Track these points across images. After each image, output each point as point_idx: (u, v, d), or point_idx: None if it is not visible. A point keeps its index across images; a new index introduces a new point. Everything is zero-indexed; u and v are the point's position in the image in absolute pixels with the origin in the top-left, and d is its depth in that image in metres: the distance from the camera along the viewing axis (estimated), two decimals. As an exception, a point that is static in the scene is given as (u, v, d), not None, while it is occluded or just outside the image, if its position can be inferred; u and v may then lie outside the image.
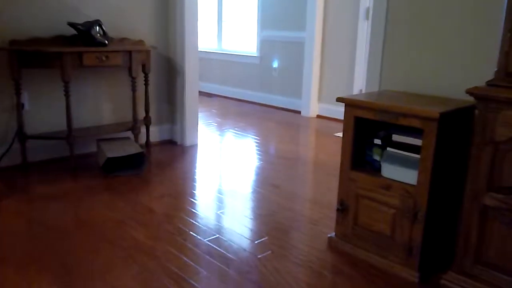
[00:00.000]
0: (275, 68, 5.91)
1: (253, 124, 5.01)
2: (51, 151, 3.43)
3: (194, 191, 2.98)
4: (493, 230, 1.75)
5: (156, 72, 3.93)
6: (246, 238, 2.35)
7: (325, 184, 3.18)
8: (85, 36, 3.19)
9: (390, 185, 2.00)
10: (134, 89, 3.49)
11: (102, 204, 2.71)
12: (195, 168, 3.48)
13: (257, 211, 2.69)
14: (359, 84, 4.94)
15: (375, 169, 2.12)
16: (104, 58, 3.21)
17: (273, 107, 5.96)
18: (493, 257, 1.76)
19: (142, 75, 3.66)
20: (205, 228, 2.44)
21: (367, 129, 2.17)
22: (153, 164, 3.48)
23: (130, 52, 3.36)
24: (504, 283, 1.74)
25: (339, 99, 2.11)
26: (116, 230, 2.38)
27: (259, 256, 2.16)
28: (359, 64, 4.95)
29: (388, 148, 2.10)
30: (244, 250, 2.22)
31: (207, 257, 2.14)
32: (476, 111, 1.72)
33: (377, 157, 2.13)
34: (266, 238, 2.35)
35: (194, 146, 4.02)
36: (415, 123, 1.86)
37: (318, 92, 5.45)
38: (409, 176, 1.95)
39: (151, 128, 3.88)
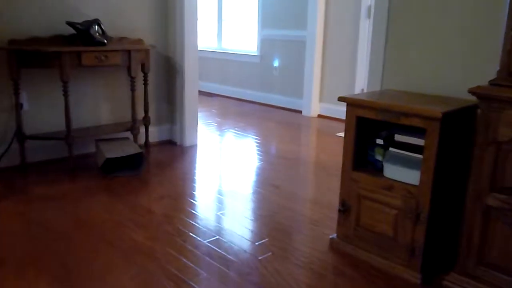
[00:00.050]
0: (275, 67, 5.91)
1: (254, 124, 5.02)
2: (50, 151, 3.44)
3: (193, 192, 2.98)
4: (495, 231, 1.75)
5: (156, 71, 3.93)
6: (246, 239, 2.35)
7: (326, 184, 3.18)
8: (84, 35, 3.20)
9: (392, 185, 2.00)
10: (133, 89, 3.50)
11: (101, 205, 2.71)
12: (194, 169, 3.48)
13: (258, 212, 2.70)
14: (361, 84, 4.94)
15: (377, 170, 2.12)
16: (103, 58, 3.22)
17: (274, 106, 5.97)
18: (496, 258, 1.76)
19: (141, 74, 3.67)
20: (205, 229, 2.45)
21: (369, 129, 2.17)
22: (153, 165, 3.49)
23: (129, 52, 3.37)
24: (507, 284, 1.74)
25: (340, 99, 2.11)
26: (115, 231, 2.38)
27: (259, 258, 2.16)
28: (361, 63, 4.95)
29: (390, 148, 2.10)
30: (245, 251, 2.22)
31: (207, 258, 2.14)
32: (479, 111, 1.72)
33: (379, 157, 2.14)
34: (267, 239, 2.35)
35: (193, 147, 4.03)
36: (418, 122, 1.86)
37: (319, 91, 5.45)
38: (411, 177, 1.95)
39: (150, 128, 3.88)
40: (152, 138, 3.96)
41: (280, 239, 2.35)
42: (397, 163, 2.03)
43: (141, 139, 3.76)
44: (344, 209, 2.20)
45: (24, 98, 3.26)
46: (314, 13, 5.21)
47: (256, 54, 6.15)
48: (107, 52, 3.24)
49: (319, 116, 5.47)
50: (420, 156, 1.90)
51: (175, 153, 3.84)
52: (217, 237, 2.36)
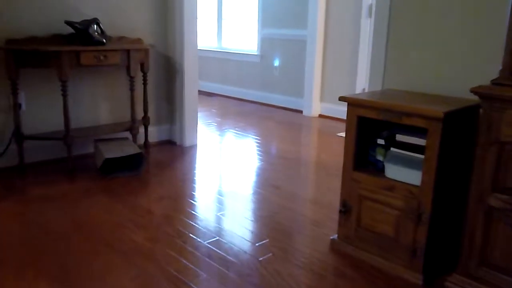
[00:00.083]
0: (276, 67, 5.91)
1: (254, 124, 5.02)
2: (48, 151, 3.44)
3: (193, 193, 2.98)
4: (498, 232, 1.75)
5: (155, 71, 3.93)
6: (246, 240, 2.35)
7: (327, 185, 3.18)
8: (82, 35, 3.20)
9: (393, 186, 2.00)
10: (132, 89, 3.50)
11: (100, 205, 2.71)
12: (194, 169, 3.48)
13: (258, 213, 2.70)
14: (362, 83, 4.94)
15: (378, 170, 2.12)
16: (102, 57, 3.22)
17: (274, 106, 5.97)
18: (499, 259, 1.76)
19: (140, 74, 3.67)
20: (205, 230, 2.45)
21: (370, 129, 2.17)
22: (152, 165, 3.49)
23: (128, 51, 3.37)
24: (509, 286, 1.74)
25: (341, 98, 2.11)
26: (115, 232, 2.38)
27: (260, 259, 2.16)
28: (362, 63, 4.94)
29: (391, 148, 2.10)
30: (245, 252, 2.22)
31: (207, 259, 2.14)
32: (481, 111, 1.72)
33: (380, 158, 2.13)
34: (267, 240, 2.35)
35: (193, 147, 4.03)
36: (419, 122, 1.86)
37: (320, 91, 5.45)
38: (413, 177, 1.95)
39: (150, 128, 3.88)
40: (152, 138, 3.96)
41: (281, 240, 2.35)
42: (398, 163, 2.02)
43: (141, 139, 3.76)
44: (345, 210, 2.20)
45: (22, 98, 3.26)
46: (314, 12, 5.21)
47: (256, 53, 6.15)
48: (106, 52, 3.24)
49: (320, 116, 5.47)
50: (422, 156, 1.90)
51: (174, 153, 3.84)
52: (217, 238, 2.36)
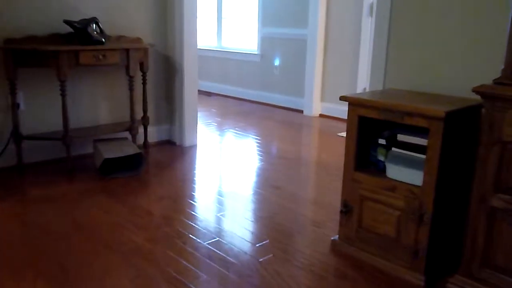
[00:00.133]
0: (276, 66, 5.91)
1: (254, 123, 5.02)
2: (47, 152, 3.44)
3: (193, 193, 2.98)
4: (501, 232, 1.74)
5: (154, 70, 3.93)
6: (247, 241, 2.35)
7: (328, 185, 3.18)
8: (81, 34, 3.19)
9: (395, 186, 2.00)
10: (131, 88, 3.50)
11: (99, 206, 2.71)
12: (194, 169, 3.48)
13: (258, 213, 2.69)
14: (363, 83, 4.94)
15: (380, 170, 2.12)
16: (101, 57, 3.22)
17: (275, 106, 5.97)
18: (501, 260, 1.76)
19: (139, 74, 3.67)
20: (205, 231, 2.45)
21: (371, 129, 2.17)
22: (152, 165, 3.49)
23: (127, 50, 3.37)
24: (512, 287, 1.74)
25: (342, 98, 2.11)
26: (114, 233, 2.38)
27: (260, 260, 2.16)
28: (363, 62, 4.94)
29: (392, 148, 2.10)
30: (245, 253, 2.22)
31: (207, 260, 2.14)
32: (483, 110, 1.72)
33: (381, 158, 2.13)
34: (268, 241, 2.35)
35: (193, 147, 4.03)
36: (421, 122, 1.86)
37: (320, 90, 5.45)
38: (414, 177, 1.95)
39: (149, 128, 3.88)
40: (151, 138, 3.96)
41: (281, 240, 2.35)
42: (399, 163, 2.02)
43: (140, 139, 3.76)
44: (346, 210, 2.20)
45: (20, 98, 3.26)
46: (315, 11, 5.21)
47: (256, 52, 6.15)
48: (105, 51, 3.24)
49: (321, 115, 5.47)
50: (423, 156, 1.90)
51: (174, 153, 3.84)
52: (217, 238, 2.36)
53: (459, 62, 2.17)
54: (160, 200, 2.83)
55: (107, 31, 3.49)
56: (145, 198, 2.85)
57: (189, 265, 2.09)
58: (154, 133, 4.01)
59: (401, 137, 2.22)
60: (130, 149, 3.28)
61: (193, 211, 2.69)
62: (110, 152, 3.19)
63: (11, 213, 2.58)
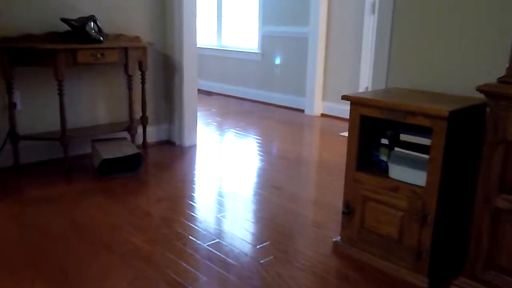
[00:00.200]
0: (277, 65, 5.91)
1: (255, 123, 5.02)
2: (44, 152, 3.44)
3: (193, 194, 2.98)
4: (505, 233, 1.74)
5: (153, 69, 3.93)
6: (247, 242, 2.35)
7: (329, 185, 3.18)
8: (79, 32, 3.20)
9: (397, 186, 2.00)
10: (130, 88, 3.50)
11: (97, 207, 2.71)
12: (194, 170, 3.48)
13: (259, 214, 2.70)
14: (365, 82, 4.94)
15: (382, 170, 2.12)
16: (99, 56, 3.22)
17: (275, 105, 5.97)
18: (506, 262, 1.76)
19: (138, 73, 3.67)
20: (204, 232, 2.45)
21: (374, 128, 2.17)
22: (151, 166, 3.49)
23: (126, 49, 3.37)
24: (517, 289, 1.74)
25: (344, 97, 2.11)
26: (112, 234, 2.38)
27: (261, 261, 2.16)
28: (365, 61, 4.95)
29: (395, 148, 2.10)
30: (246, 255, 2.22)
31: (207, 262, 2.14)
32: (487, 109, 1.72)
33: (384, 158, 2.13)
34: (268, 242, 2.35)
35: (193, 147, 4.03)
36: (424, 121, 1.86)
37: (322, 89, 5.45)
38: (417, 177, 1.95)
39: (148, 128, 3.88)
40: (150, 138, 3.96)
41: (282, 242, 2.35)
42: (402, 163, 2.02)
43: (139, 139, 3.76)
44: (348, 211, 2.20)
45: (17, 97, 3.26)
46: (316, 9, 5.21)
47: (257, 51, 6.15)
48: (103, 50, 3.24)
49: (322, 115, 5.47)
50: (427, 156, 1.90)
51: (174, 153, 3.84)
52: (217, 240, 2.36)
53: (463, 60, 2.16)
54: (159, 201, 2.83)
55: (105, 30, 3.49)
56: (144, 199, 2.85)
57: (188, 267, 2.09)
58: (153, 133, 4.01)
59: (404, 137, 2.22)
60: (128, 149, 3.29)
61: (193, 212, 2.69)
62: (109, 152, 3.19)
63: (8, 214, 2.58)
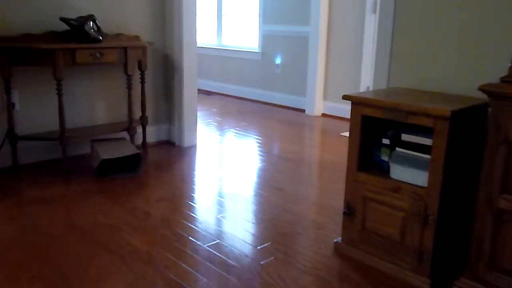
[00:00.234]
0: (277, 65, 5.92)
1: (255, 123, 5.02)
2: (43, 152, 3.44)
3: (193, 194, 2.98)
4: (507, 234, 1.74)
5: (153, 69, 3.93)
6: (248, 243, 2.35)
7: (330, 186, 3.18)
8: (78, 31, 3.20)
9: (399, 187, 2.00)
10: (129, 87, 3.50)
11: (96, 208, 2.71)
12: (194, 170, 3.48)
13: (260, 215, 2.70)
14: (366, 81, 4.94)
15: (384, 171, 2.12)
16: (98, 55, 3.22)
17: (276, 105, 5.97)
18: (508, 263, 1.76)
19: (138, 72, 3.67)
20: (204, 233, 2.45)
21: (375, 129, 2.17)
22: (150, 166, 3.49)
23: (125, 49, 3.37)
24: (519, 290, 1.74)
25: (345, 97, 2.11)
26: (112, 235, 2.38)
27: (261, 263, 2.16)
28: (366, 60, 4.94)
29: (397, 148, 2.10)
30: (246, 256, 2.22)
31: (207, 263, 2.14)
32: (489, 109, 1.72)
33: (385, 158, 2.13)
34: (269, 243, 2.35)
35: (193, 147, 4.03)
36: (426, 122, 1.86)
37: (323, 89, 5.45)
38: (419, 178, 1.95)
39: (148, 128, 3.88)
40: (150, 139, 3.96)
41: (283, 243, 2.35)
42: (404, 163, 2.02)
43: (138, 140, 3.77)
44: (349, 212, 2.20)
45: (16, 97, 3.27)
46: (317, 8, 5.21)
47: (257, 50, 6.16)
48: (103, 49, 3.24)
49: (323, 115, 5.47)
50: (428, 156, 1.90)
51: (173, 154, 3.84)
52: (218, 241, 2.36)
53: (464, 60, 2.16)
54: (158, 202, 2.83)
55: (105, 29, 3.49)
56: (143, 200, 2.85)
57: (188, 268, 2.09)
58: (152, 133, 4.01)
59: (405, 137, 2.22)
60: (128, 150, 3.29)
61: (193, 213, 2.69)
62: (108, 152, 3.19)
63: (6, 215, 2.58)
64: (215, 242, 2.35)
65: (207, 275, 2.04)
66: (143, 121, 3.75)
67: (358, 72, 5.05)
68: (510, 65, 1.66)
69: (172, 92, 4.01)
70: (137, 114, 3.73)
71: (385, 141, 2.14)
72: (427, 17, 2.27)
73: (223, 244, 2.33)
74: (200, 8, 6.67)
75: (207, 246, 2.31)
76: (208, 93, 6.83)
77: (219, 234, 2.44)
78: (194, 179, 3.27)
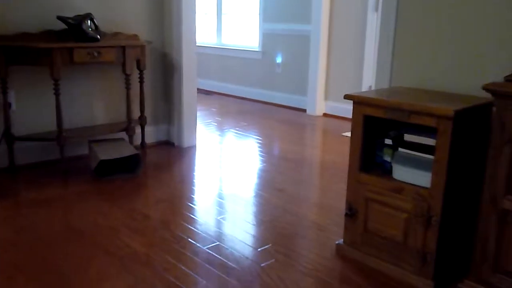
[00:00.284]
0: (278, 64, 5.92)
1: (255, 123, 5.02)
2: (40, 153, 3.44)
3: (192, 196, 2.98)
4: (512, 236, 1.74)
5: (152, 68, 3.93)
6: (248, 245, 2.35)
7: (332, 187, 3.18)
8: (76, 30, 3.20)
9: (402, 188, 2.00)
10: (128, 87, 3.50)
11: (94, 209, 2.71)
12: (193, 171, 3.48)
13: (260, 217, 2.70)
14: (368, 81, 4.94)
15: (386, 171, 2.12)
16: (96, 54, 3.22)
17: (277, 105, 5.97)
18: (513, 265, 1.76)
19: (136, 72, 3.67)
20: (204, 235, 2.45)
21: (377, 129, 2.17)
22: (149, 167, 3.49)
23: (123, 48, 3.37)
24: (524, 293, 1.74)
25: (347, 96, 2.11)
26: (110, 237, 2.38)
27: (262, 265, 2.16)
28: (368, 59, 4.95)
29: (399, 149, 2.10)
30: (246, 258, 2.22)
31: (207, 265, 2.14)
32: (494, 109, 1.71)
33: (387, 158, 2.13)
34: (270, 245, 2.35)
35: (192, 148, 4.03)
36: (429, 121, 1.86)
37: (324, 89, 5.45)
38: (422, 179, 1.94)
39: (147, 129, 3.88)
40: (149, 139, 3.96)
41: (284, 245, 2.35)
42: (406, 164, 2.02)
43: (137, 140, 3.76)
44: (351, 213, 2.20)
45: (12, 97, 3.27)
46: (319, 6, 5.21)
47: (257, 49, 6.16)
48: (101, 48, 3.24)
49: (324, 115, 5.47)
50: (431, 156, 1.89)
51: (172, 154, 3.84)
52: (217, 243, 2.36)
53: (467, 59, 2.16)
54: (157, 203, 2.83)
55: (103, 28, 3.49)
56: (142, 201, 2.85)
57: (188, 270, 2.09)
58: (151, 134, 4.01)
59: (408, 137, 2.22)
60: (126, 150, 3.29)
61: (192, 214, 2.69)
62: (106, 153, 3.19)
63: (2, 217, 2.58)
64: (215, 244, 2.35)
65: (207, 277, 2.04)
66: (142, 121, 3.75)
67: (360, 71, 5.05)
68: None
69: (171, 91, 4.01)
70: (136, 114, 3.74)
71: (388, 141, 2.14)
72: (430, 16, 2.27)
73: (223, 246, 2.33)
74: (199, 6, 6.67)
75: (207, 248, 2.30)
76: (208, 92, 6.83)
77: (219, 236, 2.44)
78: (194, 180, 3.27)
